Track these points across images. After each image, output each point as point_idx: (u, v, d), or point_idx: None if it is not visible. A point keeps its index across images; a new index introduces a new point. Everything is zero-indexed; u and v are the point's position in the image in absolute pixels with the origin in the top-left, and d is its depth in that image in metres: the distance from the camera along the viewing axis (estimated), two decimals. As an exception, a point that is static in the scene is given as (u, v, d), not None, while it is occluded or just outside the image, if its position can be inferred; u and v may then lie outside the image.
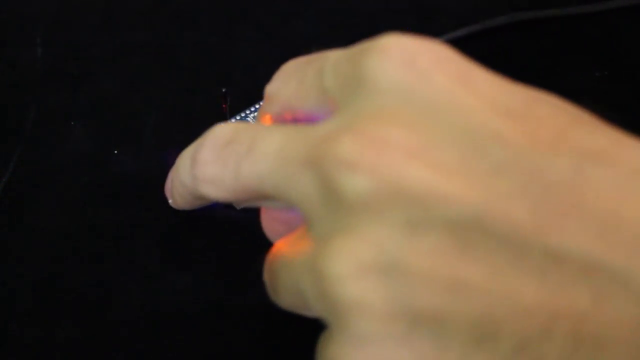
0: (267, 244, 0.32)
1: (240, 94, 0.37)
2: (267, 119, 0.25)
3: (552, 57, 0.38)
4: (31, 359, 0.30)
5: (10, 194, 0.34)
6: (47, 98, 0.38)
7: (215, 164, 0.23)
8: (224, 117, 0.33)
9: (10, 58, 0.40)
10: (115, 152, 0.36)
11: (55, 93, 0.38)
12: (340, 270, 0.18)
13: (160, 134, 0.36)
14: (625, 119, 0.36)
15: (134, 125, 0.37)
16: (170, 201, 0.28)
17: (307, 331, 0.30)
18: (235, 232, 0.33)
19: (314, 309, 0.20)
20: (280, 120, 0.24)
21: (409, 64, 0.20)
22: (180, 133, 0.36)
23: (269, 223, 0.26)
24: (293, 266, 0.21)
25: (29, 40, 0.41)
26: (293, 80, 0.24)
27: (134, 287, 0.31)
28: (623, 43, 0.38)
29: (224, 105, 0.32)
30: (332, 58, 0.22)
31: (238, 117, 0.34)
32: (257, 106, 0.34)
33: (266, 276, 0.24)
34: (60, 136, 0.36)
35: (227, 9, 0.42)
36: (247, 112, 0.35)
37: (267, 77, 0.39)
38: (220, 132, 0.23)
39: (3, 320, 0.31)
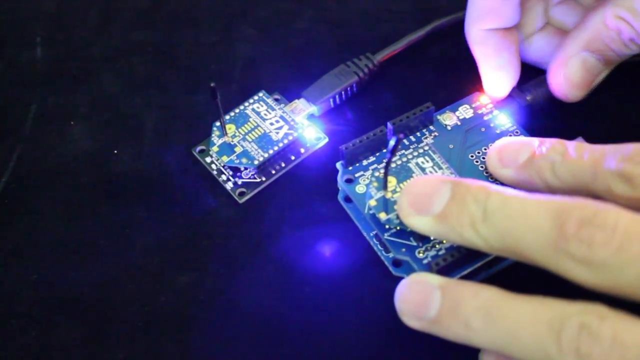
0: (265, 244, 0.32)
1: (240, 91, 0.37)
2: None
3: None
4: (31, 359, 0.30)
5: (10, 194, 0.34)
6: (47, 98, 0.38)
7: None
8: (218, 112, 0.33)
9: (10, 58, 0.40)
10: (115, 152, 0.36)
11: (55, 93, 0.38)
12: None
13: (160, 134, 0.36)
14: (626, 119, 0.36)
15: (134, 125, 0.37)
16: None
17: (306, 333, 0.30)
18: (236, 232, 0.33)
19: None
20: None
21: None
22: (180, 133, 0.36)
23: None
24: None
25: (29, 40, 0.41)
26: None
27: (134, 287, 0.31)
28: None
29: (216, 100, 0.32)
30: None
31: (237, 110, 0.34)
32: (255, 98, 0.35)
33: None
34: (60, 136, 0.36)
35: (226, 8, 0.42)
36: (246, 104, 0.35)
37: (266, 75, 0.39)
38: None
39: (3, 320, 0.31)
